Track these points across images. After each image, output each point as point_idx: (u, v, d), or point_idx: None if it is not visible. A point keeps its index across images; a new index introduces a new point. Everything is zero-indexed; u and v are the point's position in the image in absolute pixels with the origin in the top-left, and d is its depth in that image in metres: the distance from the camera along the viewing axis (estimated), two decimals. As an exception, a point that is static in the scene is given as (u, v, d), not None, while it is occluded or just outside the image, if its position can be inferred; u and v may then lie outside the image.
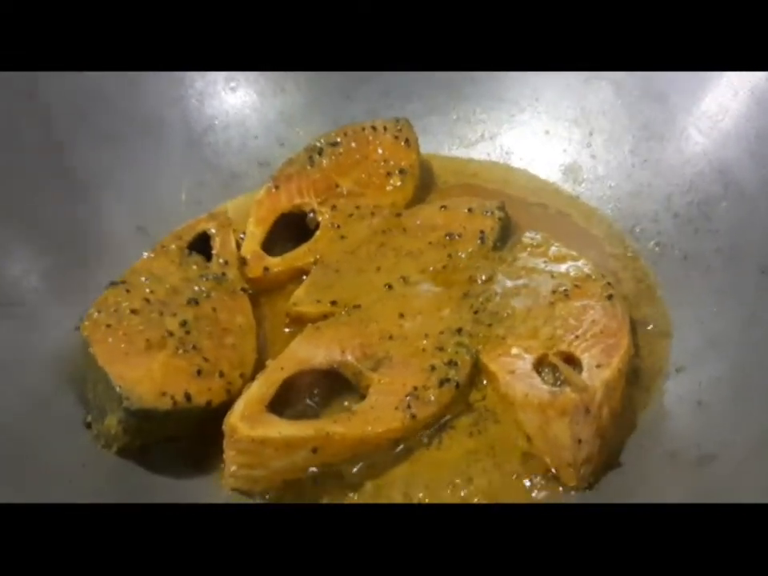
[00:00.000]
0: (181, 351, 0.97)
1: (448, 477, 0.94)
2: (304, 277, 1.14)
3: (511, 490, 0.93)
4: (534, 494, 0.92)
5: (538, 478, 0.93)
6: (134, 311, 1.00)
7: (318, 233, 1.19)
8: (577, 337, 0.98)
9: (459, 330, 1.03)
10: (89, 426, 0.94)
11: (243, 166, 1.32)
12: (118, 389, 0.90)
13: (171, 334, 0.99)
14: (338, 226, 1.19)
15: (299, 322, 1.09)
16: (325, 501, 0.92)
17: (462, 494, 0.93)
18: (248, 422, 0.89)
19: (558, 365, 0.94)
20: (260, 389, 0.94)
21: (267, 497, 0.92)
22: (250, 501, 0.92)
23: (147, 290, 1.03)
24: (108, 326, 0.97)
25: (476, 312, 1.05)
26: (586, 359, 0.96)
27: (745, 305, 1.02)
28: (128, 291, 1.03)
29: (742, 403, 0.93)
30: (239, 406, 0.92)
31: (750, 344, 0.99)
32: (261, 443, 0.89)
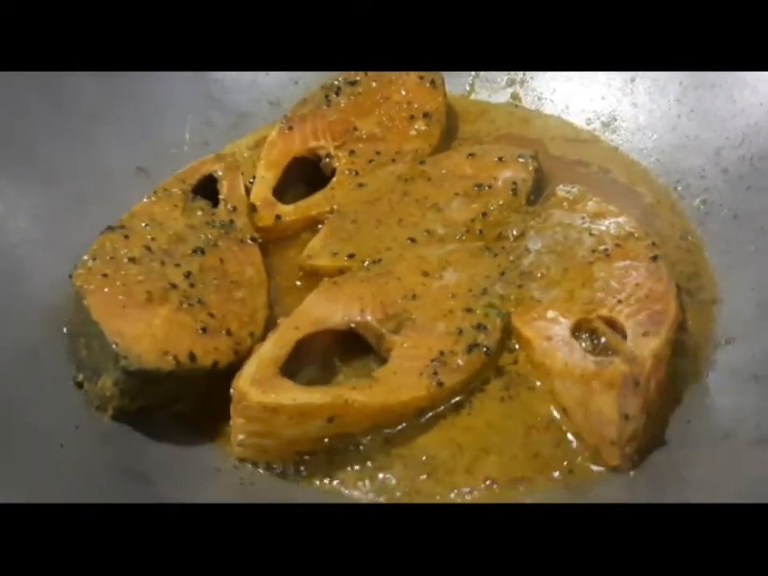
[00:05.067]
0: (185, 305, 0.89)
1: (476, 445, 0.86)
2: (319, 226, 1.06)
3: (543, 467, 0.85)
4: (569, 473, 0.84)
5: (574, 455, 0.85)
6: (132, 260, 0.91)
7: (334, 179, 1.10)
8: (620, 301, 0.90)
9: (489, 291, 0.95)
10: (80, 385, 0.86)
11: (252, 104, 1.23)
12: (114, 346, 0.81)
13: (174, 286, 0.90)
14: (357, 173, 1.10)
15: (313, 276, 1.00)
16: (340, 475, 0.85)
17: (488, 468, 0.85)
18: (259, 387, 0.81)
19: (603, 331, 0.85)
20: (272, 350, 0.85)
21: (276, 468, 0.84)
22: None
23: (148, 237, 0.95)
24: (104, 275, 0.89)
25: (506, 271, 0.97)
26: (630, 326, 0.87)
27: (802, 270, 0.94)
28: (126, 237, 0.94)
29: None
30: (249, 369, 0.83)
31: (810, 313, 0.90)
32: (273, 410, 0.80)
